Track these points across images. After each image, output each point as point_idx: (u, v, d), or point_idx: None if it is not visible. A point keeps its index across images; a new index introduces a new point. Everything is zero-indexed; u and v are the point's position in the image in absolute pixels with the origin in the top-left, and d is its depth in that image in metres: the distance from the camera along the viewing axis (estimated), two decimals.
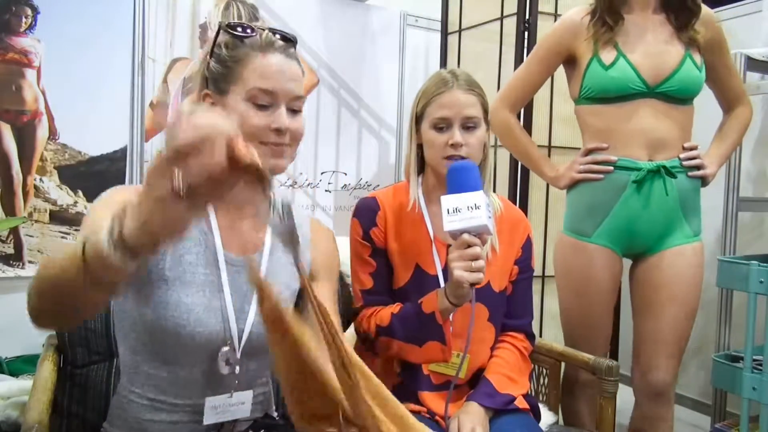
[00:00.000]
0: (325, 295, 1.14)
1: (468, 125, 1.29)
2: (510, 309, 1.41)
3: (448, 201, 1.13)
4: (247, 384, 1.10)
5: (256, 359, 1.09)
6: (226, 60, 1.03)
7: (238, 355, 1.05)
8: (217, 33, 1.04)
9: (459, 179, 1.15)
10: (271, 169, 1.02)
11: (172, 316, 1.00)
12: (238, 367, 1.06)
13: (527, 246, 1.42)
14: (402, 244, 1.34)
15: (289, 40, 1.06)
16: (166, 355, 1.04)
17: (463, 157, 1.27)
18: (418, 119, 1.34)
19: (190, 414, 1.06)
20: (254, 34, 1.03)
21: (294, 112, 1.03)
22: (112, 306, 1.12)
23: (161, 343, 1.02)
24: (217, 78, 1.03)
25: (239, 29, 1.03)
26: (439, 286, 1.30)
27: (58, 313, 0.85)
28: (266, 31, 1.04)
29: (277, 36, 1.05)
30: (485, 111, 1.33)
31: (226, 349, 1.04)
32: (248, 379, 1.10)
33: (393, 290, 1.36)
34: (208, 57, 1.05)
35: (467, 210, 1.11)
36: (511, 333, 1.41)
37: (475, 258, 1.12)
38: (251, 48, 1.02)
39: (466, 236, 1.12)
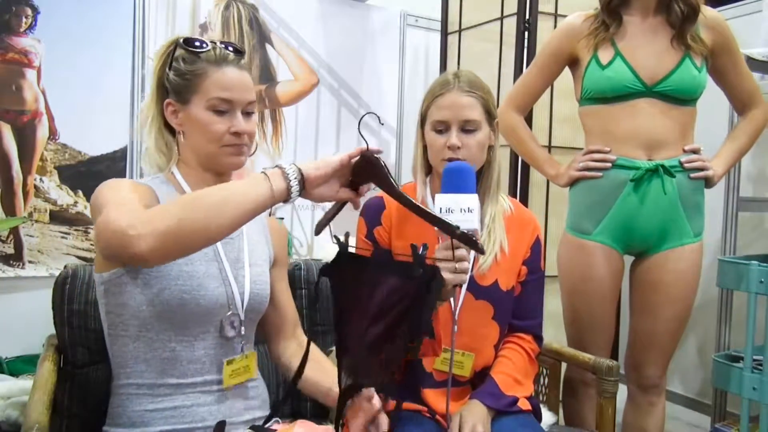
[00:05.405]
0: (283, 276, 1.35)
1: (467, 128, 1.28)
2: (519, 310, 1.41)
3: (442, 200, 1.12)
4: (248, 350, 1.20)
5: (251, 324, 1.22)
6: (185, 73, 1.13)
7: (242, 316, 1.16)
8: (174, 48, 1.15)
9: (455, 180, 1.14)
10: (233, 165, 1.17)
11: (175, 284, 1.08)
12: (243, 329, 1.16)
13: (536, 247, 1.41)
14: (407, 242, 1.33)
15: (240, 53, 1.17)
16: (171, 330, 1.09)
17: (460, 159, 1.26)
18: (423, 120, 1.34)
19: (191, 395, 1.10)
20: (208, 48, 1.13)
21: (248, 114, 1.16)
22: (103, 307, 1.14)
23: (167, 318, 1.08)
24: (179, 89, 1.13)
25: (195, 45, 1.14)
26: None
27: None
28: (219, 46, 1.15)
29: (230, 49, 1.16)
30: (489, 113, 1.30)
31: (229, 313, 1.14)
32: (248, 345, 1.20)
33: None
34: (167, 69, 1.15)
35: (460, 212, 1.09)
36: (518, 334, 1.41)
37: (461, 260, 1.11)
38: (207, 62, 1.12)
39: None
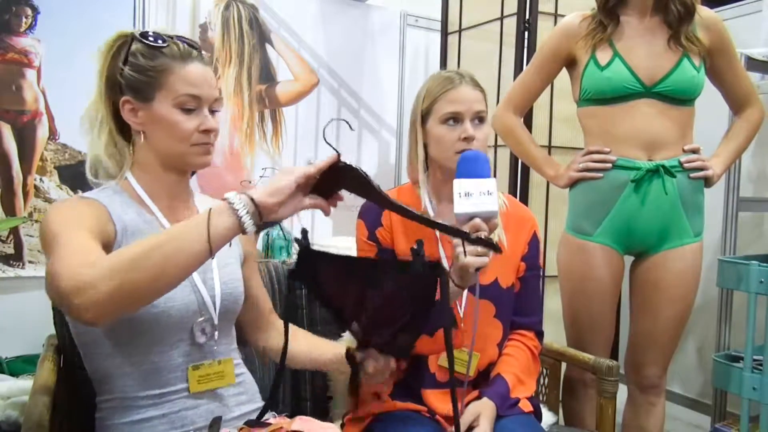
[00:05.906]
0: (255, 270, 1.31)
1: (477, 121, 1.31)
2: (519, 307, 1.41)
3: (461, 184, 1.12)
4: (226, 353, 1.17)
5: (228, 325, 1.18)
6: (147, 69, 1.07)
7: (216, 320, 1.13)
8: (131, 42, 1.09)
9: (472, 166, 1.15)
10: (201, 165, 1.13)
11: None
12: (217, 333, 1.13)
13: (534, 243, 1.42)
14: (408, 241, 1.34)
15: (198, 49, 1.14)
16: (147, 344, 1.07)
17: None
18: (423, 118, 1.34)
19: (177, 401, 1.09)
20: (168, 44, 1.09)
21: (213, 113, 1.12)
22: (72, 329, 1.13)
23: (139, 334, 1.06)
24: (138, 86, 1.07)
25: (156, 40, 1.08)
26: None
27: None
28: (178, 41, 1.10)
29: (194, 46, 1.12)
30: (488, 110, 1.35)
31: (201, 319, 1.11)
32: (226, 346, 1.17)
33: None
34: (120, 64, 1.08)
35: (479, 195, 1.10)
36: (521, 331, 1.41)
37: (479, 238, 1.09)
38: (171, 57, 1.07)
39: (477, 220, 1.11)
